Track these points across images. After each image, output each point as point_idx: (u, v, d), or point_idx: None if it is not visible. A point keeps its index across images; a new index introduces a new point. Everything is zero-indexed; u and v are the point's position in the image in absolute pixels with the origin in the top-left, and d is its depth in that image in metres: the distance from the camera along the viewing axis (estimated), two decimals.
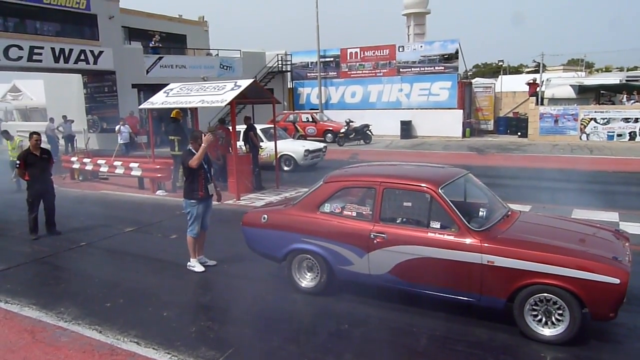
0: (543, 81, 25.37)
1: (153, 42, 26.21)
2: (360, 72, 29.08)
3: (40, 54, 21.13)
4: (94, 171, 14.98)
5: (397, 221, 5.48)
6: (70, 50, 22.07)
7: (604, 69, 55.68)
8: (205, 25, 31.59)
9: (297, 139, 21.46)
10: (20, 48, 20.42)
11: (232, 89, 11.61)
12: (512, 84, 28.81)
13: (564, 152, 19.65)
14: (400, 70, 27.83)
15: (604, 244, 5.12)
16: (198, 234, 6.99)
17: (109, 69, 23.73)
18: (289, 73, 31.91)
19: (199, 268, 6.98)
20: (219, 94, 11.59)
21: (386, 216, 5.49)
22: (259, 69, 30.25)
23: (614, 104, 24.23)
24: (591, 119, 22.52)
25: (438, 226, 5.17)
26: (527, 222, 5.67)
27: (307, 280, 6.05)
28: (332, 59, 29.86)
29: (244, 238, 6.58)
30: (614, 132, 22.12)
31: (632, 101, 23.45)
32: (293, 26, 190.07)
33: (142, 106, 14.64)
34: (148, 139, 16.88)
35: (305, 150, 15.87)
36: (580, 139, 22.65)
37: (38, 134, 9.04)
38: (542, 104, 24.35)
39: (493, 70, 56.87)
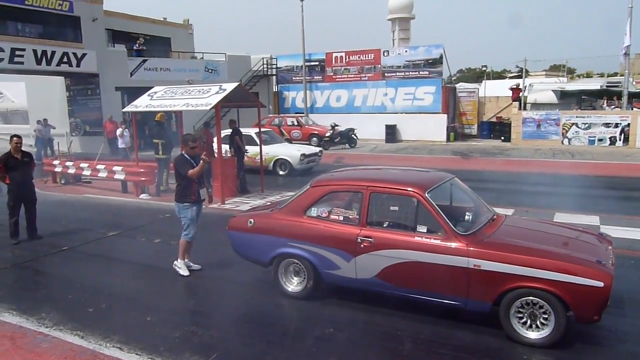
0: (526, 86, 25.73)
1: (137, 45, 26.00)
2: (346, 76, 29.17)
3: (22, 55, 20.82)
4: (76, 174, 14.81)
5: (384, 225, 5.48)
6: (53, 53, 21.79)
7: (585, 75, 56.55)
8: (190, 28, 31.44)
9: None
10: (1, 50, 20.10)
11: (217, 93, 11.56)
12: (496, 89, 29.14)
13: (546, 157, 19.90)
14: (385, 74, 27.98)
15: (587, 248, 5.19)
16: (194, 237, 6.98)
17: (92, 71, 23.48)
18: (274, 77, 31.88)
19: (185, 272, 6.92)
20: (203, 98, 11.53)
21: (373, 220, 5.49)
22: (244, 72, 30.18)
23: (594, 109, 24.64)
24: (573, 123, 22.85)
25: (425, 230, 5.18)
26: (512, 226, 5.72)
27: (293, 285, 6.03)
28: (317, 63, 29.92)
29: (230, 242, 6.53)
30: (595, 137, 22.47)
31: (613, 107, 23.88)
32: (278, 30, 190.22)
33: (125, 109, 14.51)
34: (132, 142, 16.73)
35: (301, 155, 15.64)
36: (562, 143, 22.97)
37: (19, 136, 8.91)
38: (524, 108, 24.68)
39: (477, 75, 57.46)
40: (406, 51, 28.12)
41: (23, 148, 9.01)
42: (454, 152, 22.22)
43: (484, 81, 31.14)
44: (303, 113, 28.51)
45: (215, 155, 12.68)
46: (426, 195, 5.26)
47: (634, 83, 35.59)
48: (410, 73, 27.32)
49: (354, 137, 24.42)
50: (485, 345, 4.87)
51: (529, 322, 4.80)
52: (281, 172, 15.70)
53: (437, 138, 26.21)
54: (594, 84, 27.14)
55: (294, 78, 30.82)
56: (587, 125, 22.60)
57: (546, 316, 4.70)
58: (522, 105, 24.71)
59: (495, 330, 5.01)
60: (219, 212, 10.78)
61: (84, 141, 24.03)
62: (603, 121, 22.34)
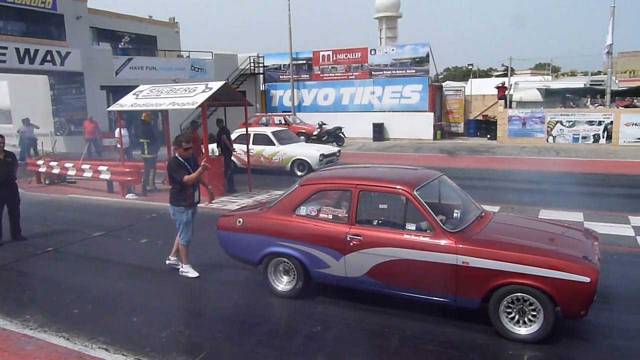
0: (511, 85, 25.92)
1: (122, 43, 25.76)
2: (333, 74, 29.18)
3: (4, 54, 20.53)
4: (61, 175, 14.64)
5: (373, 223, 5.49)
6: (36, 51, 21.51)
7: (569, 73, 57.18)
8: (176, 27, 31.23)
9: None
10: None
11: (204, 91, 11.50)
12: (482, 88, 29.33)
13: (531, 154, 20.09)
14: (373, 73, 28.04)
15: (574, 244, 5.25)
16: (190, 240, 6.87)
17: (77, 70, 23.23)
18: (261, 75, 31.80)
19: (193, 274, 6.79)
20: (189, 96, 11.46)
21: (362, 218, 5.50)
22: (231, 71, 30.05)
23: (578, 107, 24.92)
24: (557, 121, 23.09)
25: (413, 228, 5.20)
26: (500, 222, 5.75)
27: (283, 284, 6.00)
28: (304, 61, 29.89)
29: (218, 242, 6.48)
30: (579, 134, 22.73)
31: (596, 105, 24.16)
32: (265, 28, 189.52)
33: (110, 108, 14.37)
34: (117, 142, 16.55)
35: (321, 155, 15.09)
36: (547, 141, 23.20)
37: (1, 136, 8.77)
38: (510, 107, 24.88)
39: (463, 74, 57.84)
40: (393, 50, 28.20)
41: (6, 148, 8.88)
42: (440, 150, 22.33)
43: (470, 80, 31.33)
44: (290, 112, 28.48)
45: (203, 154, 12.61)
46: (415, 193, 5.28)
47: (617, 81, 36.07)
48: (397, 71, 27.42)
49: (342, 135, 24.43)
50: (472, 341, 4.90)
51: (517, 318, 4.83)
52: (299, 173, 14.92)
53: (424, 136, 26.33)
54: (578, 83, 27.42)
55: (281, 77, 30.76)
56: (571, 123, 22.85)
57: (535, 312, 4.74)
58: (508, 103, 24.91)
59: (482, 327, 5.04)
60: (206, 212, 10.70)
61: (68, 141, 23.76)
62: (587, 119, 22.60)
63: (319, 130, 24.17)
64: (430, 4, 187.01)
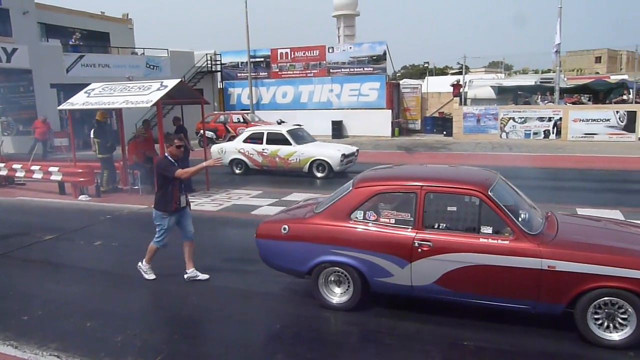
0: (466, 82, 26.53)
1: (73, 40, 24.96)
2: (291, 72, 29.13)
3: None
4: (9, 176, 14.06)
5: (443, 227, 5.11)
6: None
7: (521, 71, 58.98)
8: (129, 23, 30.48)
9: (228, 140, 21.18)
10: None
11: (159, 89, 11.28)
12: (438, 85, 29.89)
13: (485, 150, 20.64)
14: (331, 70, 28.15)
15: None
16: (165, 245, 6.50)
17: (25, 67, 22.34)
18: (218, 73, 31.43)
19: (150, 275, 6.54)
20: (144, 95, 11.22)
21: (430, 223, 5.12)
22: (187, 68, 29.56)
23: (529, 104, 25.76)
24: (510, 118, 23.79)
25: (490, 231, 4.91)
26: (569, 222, 5.51)
27: (337, 296, 5.54)
28: (262, 59, 29.71)
29: (258, 251, 5.94)
30: (530, 130, 23.49)
31: (546, 101, 25.02)
32: (222, 26, 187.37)
33: (61, 107, 13.90)
34: (69, 142, 16.06)
35: (342, 155, 14.14)
36: (501, 137, 23.87)
37: None
38: (465, 104, 25.47)
39: (420, 72, 58.82)
40: (350, 48, 28.39)
41: None
42: (399, 147, 22.66)
43: (426, 77, 31.89)
44: (249, 110, 28.29)
45: (158, 153, 12.37)
46: (489, 193, 4.98)
47: (566, 79, 37.38)
48: (355, 69, 27.62)
49: None
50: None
51: (606, 323, 4.61)
52: (319, 175, 14.14)
53: (382, 133, 26.65)
54: (529, 80, 28.35)
55: (239, 74, 30.48)
56: (523, 119, 23.59)
57: (625, 316, 4.53)
58: (463, 100, 25.50)
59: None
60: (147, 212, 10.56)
61: (17, 141, 22.85)
62: (537, 115, 23.40)
63: None
64: (388, 3, 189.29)
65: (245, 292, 6.20)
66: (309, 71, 28.63)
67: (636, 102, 24.33)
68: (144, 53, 28.38)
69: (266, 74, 29.68)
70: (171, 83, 11.60)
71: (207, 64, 30.56)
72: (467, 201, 5.16)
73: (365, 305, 5.51)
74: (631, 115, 21.87)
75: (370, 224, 5.31)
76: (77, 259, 7.81)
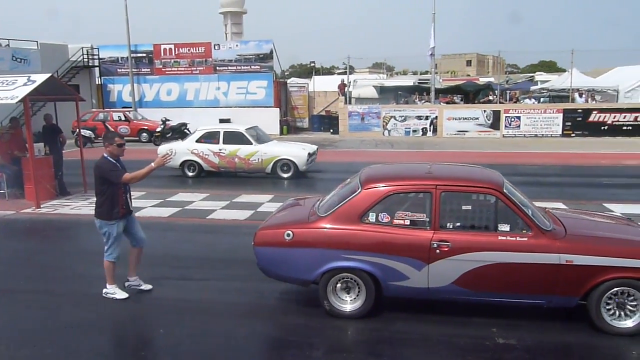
0: (350, 82, 27.54)
1: None
2: (176, 69, 28.21)
3: None
4: None
5: (459, 227, 5.04)
6: None
7: (402, 72, 62.49)
8: None
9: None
10: None
11: (25, 84, 10.37)
12: (325, 84, 30.73)
13: (369, 147, 21.58)
14: (217, 68, 27.72)
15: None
16: (117, 257, 5.76)
17: None
18: (96, 68, 29.53)
19: (121, 294, 5.72)
20: (8, 90, 10.26)
21: (446, 223, 5.03)
22: (60, 62, 27.39)
23: (408, 103, 27.38)
24: (391, 116, 25.08)
25: (507, 229, 4.91)
26: (568, 218, 5.66)
27: (349, 303, 5.24)
28: (144, 54, 28.44)
29: (257, 261, 5.47)
30: (410, 128, 24.94)
31: (423, 101, 26.75)
32: (99, 18, 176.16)
33: None
34: None
35: (308, 154, 13.65)
36: (383, 134, 25.08)
37: None
38: (350, 103, 26.43)
39: (308, 71, 59.94)
40: (237, 45, 28.17)
41: None
42: None
43: (313, 77, 32.60)
44: (131, 107, 26.97)
45: (27, 154, 11.39)
46: (505, 191, 5.00)
47: (441, 80, 40.22)
48: (242, 67, 27.46)
49: (187, 132, 23.76)
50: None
51: (616, 312, 4.80)
52: (284, 175, 13.54)
53: (270, 131, 26.57)
54: (408, 81, 30.18)
55: (119, 70, 28.89)
56: (403, 117, 24.99)
57: (634, 303, 4.75)
58: (348, 99, 26.42)
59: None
60: (34, 217, 9.77)
61: None
62: (416, 114, 24.92)
63: (162, 126, 23.28)
64: (278, 2, 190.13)
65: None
66: (195, 68, 27.93)
67: (500, 102, 26.88)
68: (9, 45, 25.83)
69: (149, 70, 28.45)
70: (40, 78, 10.71)
71: (83, 58, 28.59)
72: (482, 199, 5.13)
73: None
74: (496, 114, 24.07)
75: (384, 227, 5.10)
76: None
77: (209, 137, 13.90)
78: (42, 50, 26.33)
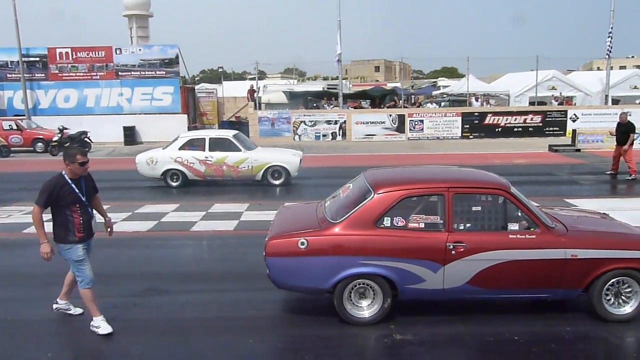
0: (260, 87, 27.46)
1: None
2: (74, 74, 26.60)
3: None
4: None
5: (471, 228, 5.19)
6: None
7: (314, 78, 63.36)
8: None
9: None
10: None
11: None
12: (234, 90, 30.40)
13: None
14: (120, 73, 26.50)
15: (622, 224, 5.97)
16: (91, 280, 5.11)
17: None
18: None
19: (106, 329, 5.07)
20: None
21: (459, 224, 5.16)
22: None
23: (317, 108, 27.76)
24: (301, 121, 25.27)
25: (517, 228, 5.14)
26: (563, 215, 5.99)
27: (365, 309, 5.24)
28: (38, 58, 26.57)
29: (268, 272, 5.31)
30: (320, 132, 25.27)
31: (332, 106, 27.23)
32: None
33: None
34: None
35: (300, 160, 13.54)
36: (294, 139, 25.19)
37: None
38: (259, 108, 26.33)
39: (219, 76, 59.22)
40: (140, 50, 27.13)
41: None
42: None
43: (222, 82, 32.17)
44: (24, 115, 25.09)
45: None
46: (512, 191, 5.23)
47: (351, 86, 41.19)
48: (147, 72, 26.47)
49: (88, 140, 22.50)
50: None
51: (613, 300, 5.20)
52: (276, 182, 13.26)
53: None
54: (317, 86, 30.60)
55: (9, 75, 26.73)
56: (313, 122, 25.26)
57: (629, 289, 5.18)
58: (257, 105, 26.31)
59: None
60: None
61: None
62: (325, 119, 25.31)
63: (59, 135, 21.87)
64: (188, 6, 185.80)
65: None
66: (95, 73, 26.50)
67: (405, 107, 27.98)
68: None
69: (43, 75, 26.60)
70: None
71: None
72: (491, 200, 5.30)
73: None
74: (401, 118, 25.02)
75: (399, 231, 5.13)
76: None
77: (194, 144, 13.33)
78: None
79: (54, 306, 5.51)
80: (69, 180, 5.02)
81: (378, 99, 30.09)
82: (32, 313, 5.66)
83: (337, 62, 26.20)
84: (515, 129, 24.89)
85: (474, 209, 5.31)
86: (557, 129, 24.76)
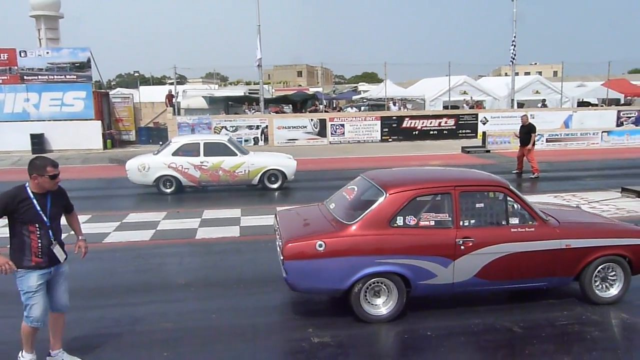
0: (179, 92, 26.81)
1: None
2: None
3: None
4: None
5: (476, 223, 5.52)
6: None
7: (236, 82, 62.74)
8: None
9: None
10: None
11: None
12: (152, 95, 29.37)
13: None
14: (25, 77, 24.85)
15: (599, 216, 6.90)
16: (39, 319, 4.33)
17: None
18: None
19: None
20: None
21: (465, 220, 5.47)
22: None
23: (238, 113, 27.53)
24: (223, 127, 24.90)
25: (517, 222, 5.54)
26: (551, 209, 6.44)
27: (381, 307, 5.41)
28: None
29: (286, 276, 5.31)
30: (242, 138, 24.94)
31: (253, 111, 27.11)
32: None
33: None
34: None
35: (295, 164, 13.60)
36: None
37: None
38: (179, 114, 25.70)
39: (136, 81, 57.14)
40: (48, 53, 25.51)
41: None
42: (111, 160, 21.45)
43: (139, 87, 31.04)
44: None
45: None
46: (511, 188, 5.64)
47: (274, 91, 41.18)
48: (56, 77, 24.99)
49: None
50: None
51: (600, 284, 5.73)
52: (273, 186, 13.28)
53: (92, 146, 24.76)
54: (239, 91, 30.38)
55: None
56: (234, 127, 24.98)
57: (613, 273, 5.73)
58: (177, 110, 25.66)
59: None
60: None
61: None
62: (247, 124, 25.12)
63: None
64: (105, 9, 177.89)
65: None
66: None
67: (326, 111, 28.39)
68: None
69: None
70: None
71: None
72: (493, 197, 5.69)
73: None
74: (323, 122, 25.34)
75: (412, 229, 5.36)
76: None
77: (188, 150, 12.91)
78: None
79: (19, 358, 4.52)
80: (31, 195, 4.28)
81: (300, 103, 30.33)
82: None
83: (258, 67, 26.14)
84: (431, 132, 25.98)
85: (478, 205, 5.67)
86: (469, 131, 26.14)
